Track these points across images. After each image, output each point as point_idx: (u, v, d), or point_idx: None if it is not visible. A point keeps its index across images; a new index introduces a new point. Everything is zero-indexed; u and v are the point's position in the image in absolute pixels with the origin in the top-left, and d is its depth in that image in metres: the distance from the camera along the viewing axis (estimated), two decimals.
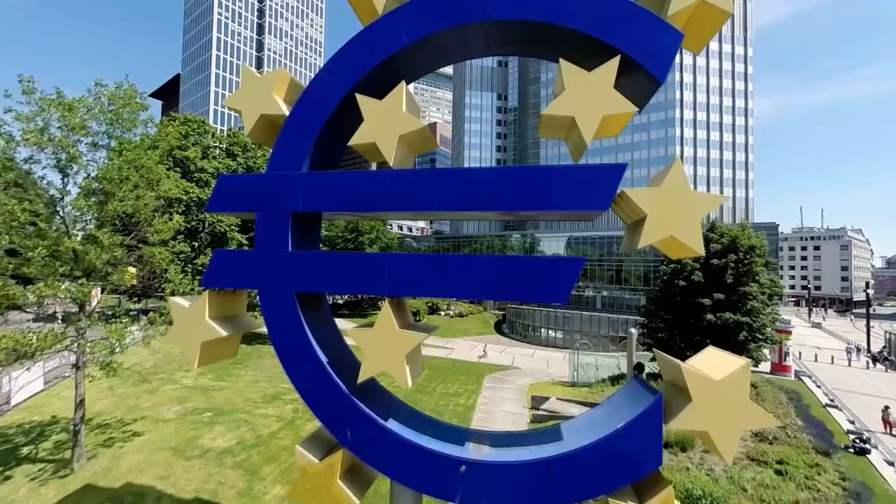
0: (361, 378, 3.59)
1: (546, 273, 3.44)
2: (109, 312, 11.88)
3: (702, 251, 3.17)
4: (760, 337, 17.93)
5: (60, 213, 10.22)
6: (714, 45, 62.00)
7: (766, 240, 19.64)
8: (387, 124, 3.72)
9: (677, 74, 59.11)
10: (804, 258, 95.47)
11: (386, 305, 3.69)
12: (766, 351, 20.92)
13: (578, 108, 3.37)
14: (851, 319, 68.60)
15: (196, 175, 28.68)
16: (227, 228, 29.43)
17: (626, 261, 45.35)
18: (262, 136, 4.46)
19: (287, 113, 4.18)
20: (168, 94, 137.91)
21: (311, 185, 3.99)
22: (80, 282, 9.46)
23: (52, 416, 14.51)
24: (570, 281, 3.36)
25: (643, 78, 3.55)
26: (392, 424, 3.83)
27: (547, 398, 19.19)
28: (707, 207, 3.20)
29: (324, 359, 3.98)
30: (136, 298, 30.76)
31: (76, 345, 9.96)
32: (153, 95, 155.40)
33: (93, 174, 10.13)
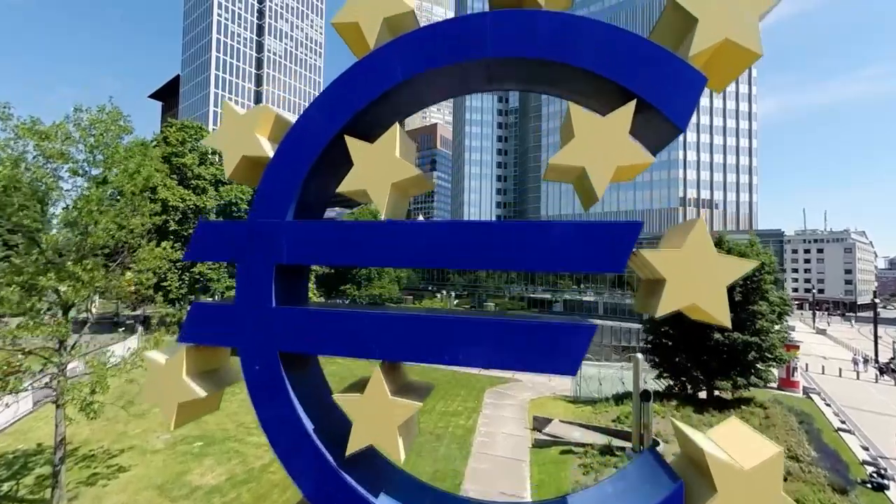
0: (349, 452, 3.25)
1: (553, 342, 3.07)
2: (85, 348, 11.22)
3: (728, 323, 2.81)
4: (770, 356, 17.48)
5: (41, 245, 9.75)
6: None
7: (774, 256, 19.11)
8: (378, 170, 3.37)
9: None
10: (807, 261, 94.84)
11: (377, 370, 3.31)
12: (774, 371, 20.47)
13: (590, 157, 3.00)
14: (852, 324, 67.99)
15: (193, 182, 28.43)
16: None
17: (628, 270, 44.88)
18: (245, 177, 4.12)
19: (271, 155, 3.78)
20: (168, 95, 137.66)
21: (296, 234, 3.63)
22: (57, 320, 8.93)
23: (37, 444, 13.99)
24: (579, 352, 3.00)
25: (661, 123, 3.16)
26: (383, 501, 3.51)
27: (549, 420, 18.64)
28: (735, 275, 2.83)
29: (309, 426, 3.62)
30: (133, 306, 30.33)
31: (56, 381, 9.42)
32: (153, 96, 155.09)
33: (72, 205, 9.60)
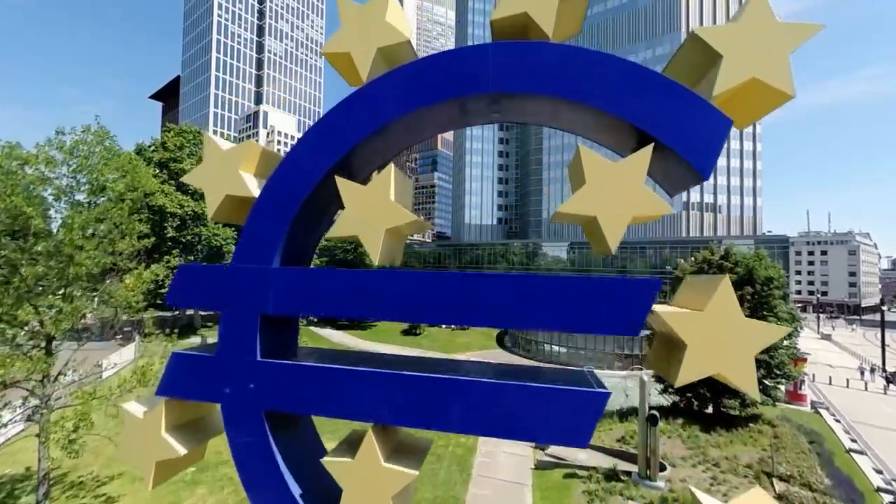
0: None
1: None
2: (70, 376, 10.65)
3: (756, 394, 2.57)
4: (778, 373, 17.06)
5: (21, 272, 9.25)
6: None
7: (782, 270, 18.73)
8: (371, 215, 3.16)
9: None
10: (811, 263, 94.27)
11: (369, 433, 3.07)
12: (782, 388, 20.03)
13: (602, 207, 2.78)
14: (854, 329, 67.30)
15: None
16: (223, 242, 29.13)
17: (629, 269, 44.47)
18: (230, 217, 3.81)
19: (256, 194, 3.54)
20: (168, 96, 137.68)
21: (283, 283, 3.41)
22: (37, 355, 8.56)
23: (25, 469, 13.41)
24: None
25: (681, 167, 2.92)
26: None
27: None
28: (764, 343, 2.59)
29: (297, 490, 3.38)
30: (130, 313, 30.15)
31: (39, 414, 9.08)
32: (153, 97, 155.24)
33: (55, 231, 9.21)
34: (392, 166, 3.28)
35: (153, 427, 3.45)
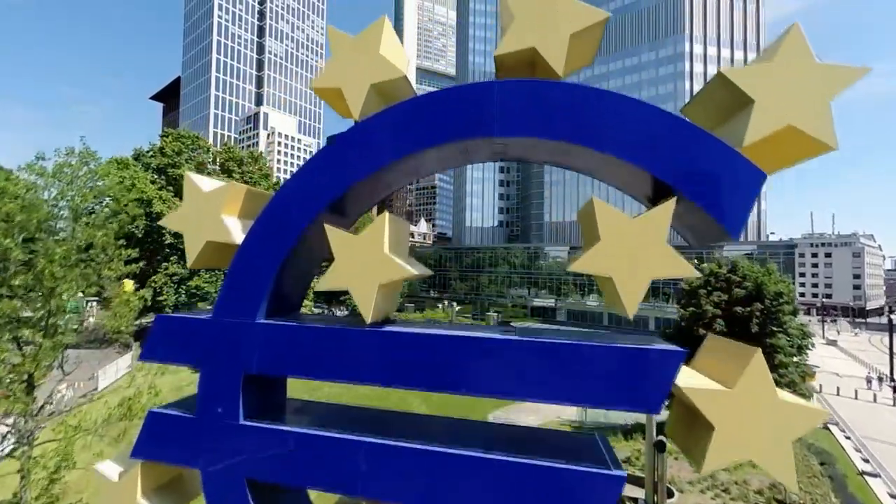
0: None
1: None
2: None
3: (794, 486, 2.40)
4: (788, 390, 16.57)
5: None
6: (726, 52, 60.52)
7: (791, 285, 18.31)
8: (364, 269, 2.89)
9: (687, 83, 57.67)
10: (815, 265, 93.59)
11: None
12: None
13: (618, 267, 2.51)
14: (856, 333, 66.61)
15: None
16: None
17: None
18: (213, 262, 3.59)
19: (239, 241, 3.27)
20: (169, 97, 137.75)
21: (269, 340, 3.13)
22: (14, 395, 8.10)
23: (13, 494, 12.72)
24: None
25: (706, 222, 2.65)
26: None
27: None
28: (802, 430, 2.39)
29: None
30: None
31: (20, 451, 8.63)
32: (154, 98, 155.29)
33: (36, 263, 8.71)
34: (386, 214, 3.01)
35: (128, 491, 3.22)
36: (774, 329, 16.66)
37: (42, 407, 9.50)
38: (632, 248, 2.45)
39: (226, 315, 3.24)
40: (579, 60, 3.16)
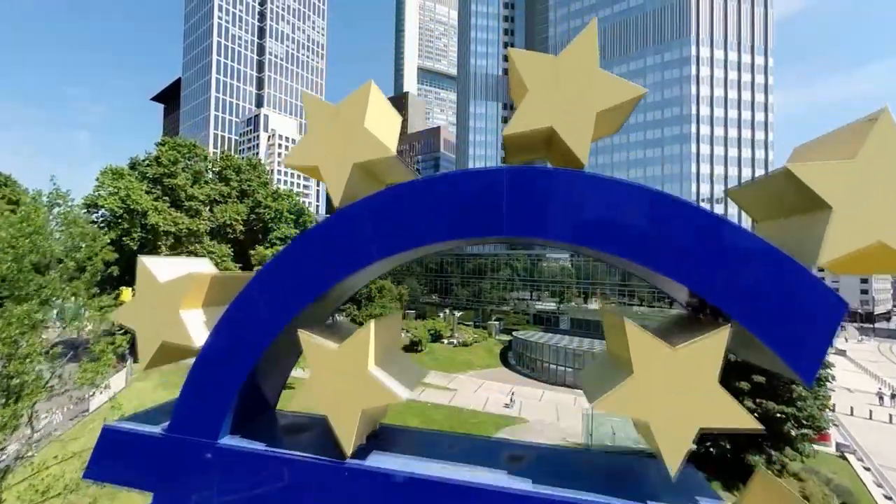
0: None
1: None
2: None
3: None
4: (806, 423, 15.75)
5: None
6: (733, 55, 59.56)
7: None
8: (345, 391, 2.39)
9: (693, 87, 56.79)
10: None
11: None
12: (813, 446, 18.16)
13: (656, 410, 2.01)
14: (862, 339, 65.41)
15: (187, 203, 27.54)
16: (220, 260, 28.57)
17: (632, 283, 43.38)
18: (173, 359, 3.01)
19: (198, 345, 2.76)
20: (170, 98, 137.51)
21: (230, 468, 2.64)
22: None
23: None
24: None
25: (765, 353, 2.09)
26: None
27: None
28: None
29: None
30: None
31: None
32: (154, 99, 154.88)
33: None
34: (371, 324, 2.50)
35: None
36: None
37: (30, 437, 9.02)
38: (674, 386, 2.02)
39: (184, 431, 2.75)
40: (604, 132, 2.65)
